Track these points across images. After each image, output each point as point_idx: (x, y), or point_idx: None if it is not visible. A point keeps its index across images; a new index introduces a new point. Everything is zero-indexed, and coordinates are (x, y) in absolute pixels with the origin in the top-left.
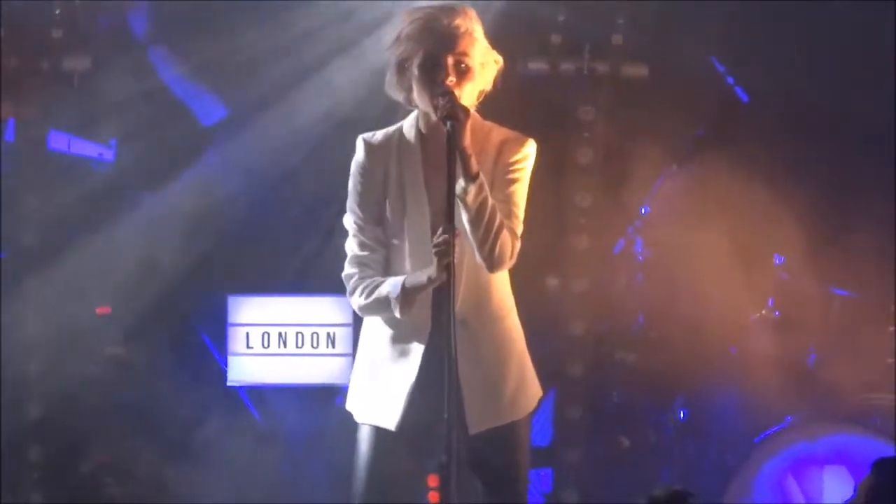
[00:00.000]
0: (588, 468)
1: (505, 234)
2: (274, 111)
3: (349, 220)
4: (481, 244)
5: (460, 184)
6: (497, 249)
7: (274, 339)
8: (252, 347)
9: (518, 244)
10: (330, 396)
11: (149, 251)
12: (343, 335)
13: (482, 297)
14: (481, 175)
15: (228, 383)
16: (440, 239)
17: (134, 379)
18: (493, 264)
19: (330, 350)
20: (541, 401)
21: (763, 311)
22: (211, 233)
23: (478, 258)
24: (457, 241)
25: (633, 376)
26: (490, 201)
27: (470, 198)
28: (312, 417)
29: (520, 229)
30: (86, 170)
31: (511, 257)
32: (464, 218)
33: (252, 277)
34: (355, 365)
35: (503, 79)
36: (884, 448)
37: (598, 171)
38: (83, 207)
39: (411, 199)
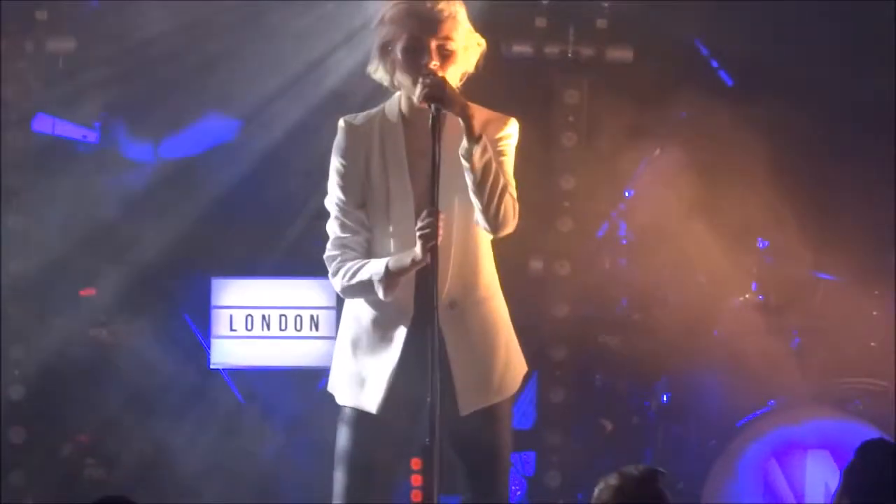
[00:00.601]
0: (571, 451)
1: (508, 196)
2: (261, 95)
3: (331, 202)
4: (486, 206)
5: (464, 145)
6: (502, 210)
7: (257, 322)
8: (235, 330)
9: (517, 206)
10: (313, 379)
11: (132, 233)
12: (326, 318)
13: (470, 278)
14: (484, 136)
15: (211, 366)
16: (425, 222)
17: (117, 361)
18: (497, 226)
19: (313, 333)
20: (525, 382)
21: (747, 295)
22: (195, 215)
23: (481, 222)
24: (442, 223)
25: (616, 359)
26: (493, 163)
27: (475, 158)
28: (296, 400)
29: (515, 195)
30: (70, 151)
31: (514, 217)
32: (469, 181)
33: (236, 260)
34: (337, 346)
35: (488, 62)
36: (867, 432)
37: (582, 155)
38: (67, 189)
39: (395, 181)
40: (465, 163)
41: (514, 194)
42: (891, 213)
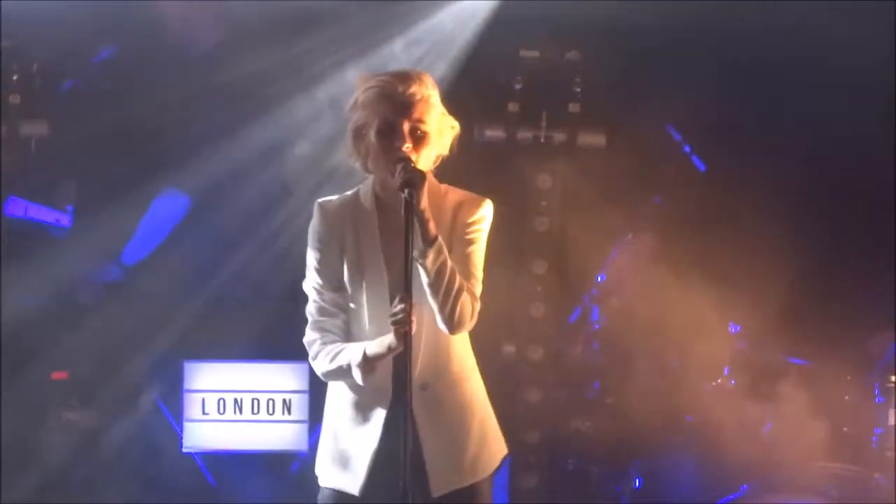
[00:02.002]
0: None
1: (465, 297)
2: (234, 178)
3: (308, 285)
4: (441, 307)
5: (419, 248)
6: (457, 312)
7: (230, 406)
8: (208, 414)
9: (478, 305)
10: (286, 462)
11: (105, 316)
12: (299, 402)
13: (442, 361)
14: (440, 238)
15: (184, 449)
16: (396, 309)
17: (90, 445)
18: (452, 326)
19: (286, 417)
20: (497, 466)
21: (719, 380)
22: (167, 298)
23: (438, 321)
24: (415, 309)
25: (588, 444)
26: (449, 264)
27: (429, 262)
28: (268, 484)
29: (479, 290)
30: (42, 235)
31: (471, 318)
32: (423, 281)
33: (208, 344)
34: (322, 429)
35: (460, 147)
36: None
37: (554, 240)
38: (39, 273)
39: (369, 265)
40: (418, 265)
41: (478, 290)
42: (863, 299)
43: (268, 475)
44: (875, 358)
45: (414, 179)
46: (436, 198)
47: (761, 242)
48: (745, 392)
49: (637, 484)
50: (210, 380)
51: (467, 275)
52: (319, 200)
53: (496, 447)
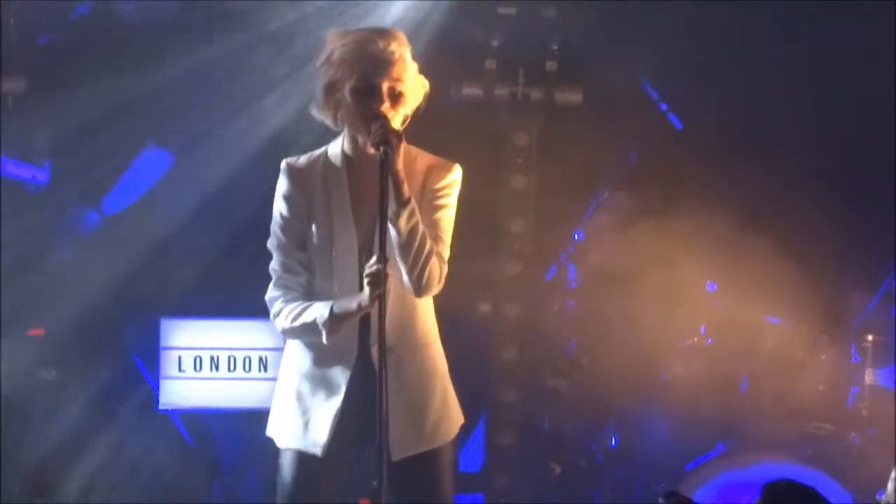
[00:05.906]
0: (519, 494)
1: (434, 260)
2: (208, 135)
3: (272, 244)
4: (410, 269)
5: (392, 208)
6: (426, 274)
7: (206, 363)
8: (184, 371)
9: (445, 269)
10: (262, 420)
11: (81, 273)
12: (275, 359)
13: (408, 324)
14: (413, 200)
15: (160, 407)
16: (373, 269)
17: (66, 402)
18: (420, 289)
19: (262, 374)
20: (472, 427)
21: (695, 339)
22: (143, 255)
23: (406, 283)
24: (389, 270)
25: (564, 402)
26: (421, 226)
27: (402, 223)
28: (244, 442)
29: (447, 254)
30: (19, 191)
31: (439, 282)
32: (394, 242)
33: (185, 300)
34: (277, 389)
35: (437, 103)
36: (814, 476)
37: (531, 197)
38: (16, 229)
39: (338, 224)
40: (391, 225)
41: (446, 254)
42: (839, 259)
43: (243, 433)
44: (850, 318)
45: (389, 137)
46: (406, 162)
47: (738, 201)
48: (721, 351)
49: (613, 442)
50: (186, 337)
51: (436, 238)
52: (286, 159)
53: (455, 415)
